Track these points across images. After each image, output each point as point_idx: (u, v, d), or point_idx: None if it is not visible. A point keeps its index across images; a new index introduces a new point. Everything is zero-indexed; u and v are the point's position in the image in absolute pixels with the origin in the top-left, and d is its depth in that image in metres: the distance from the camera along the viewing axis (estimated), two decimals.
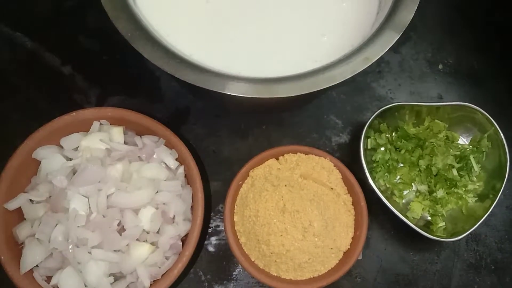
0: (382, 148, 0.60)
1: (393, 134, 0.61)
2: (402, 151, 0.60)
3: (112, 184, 0.46)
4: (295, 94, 0.42)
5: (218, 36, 0.49)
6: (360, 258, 0.51)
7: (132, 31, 0.43)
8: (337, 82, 0.42)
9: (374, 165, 0.60)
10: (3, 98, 0.62)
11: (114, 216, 0.45)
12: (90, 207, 0.45)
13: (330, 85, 0.42)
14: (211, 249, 0.57)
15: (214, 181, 0.60)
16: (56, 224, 0.45)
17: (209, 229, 0.57)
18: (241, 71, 0.43)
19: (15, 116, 0.61)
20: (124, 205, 0.46)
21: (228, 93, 0.41)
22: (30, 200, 0.48)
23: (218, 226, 0.58)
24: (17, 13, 0.68)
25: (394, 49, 0.67)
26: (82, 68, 0.65)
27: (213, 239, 0.57)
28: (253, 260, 0.50)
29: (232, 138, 0.62)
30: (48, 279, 0.47)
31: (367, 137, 0.59)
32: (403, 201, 0.59)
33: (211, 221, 0.57)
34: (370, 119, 0.57)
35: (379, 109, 0.57)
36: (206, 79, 0.41)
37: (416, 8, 0.45)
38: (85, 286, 0.45)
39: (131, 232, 0.45)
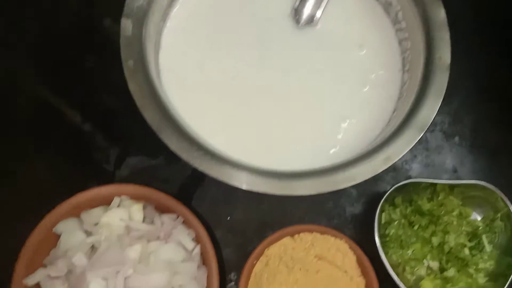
0: (396, 222, 0.60)
1: (407, 207, 0.61)
2: (416, 227, 0.60)
3: (130, 265, 0.47)
4: (314, 193, 0.42)
5: (238, 121, 0.50)
6: None
7: (158, 121, 0.44)
8: (357, 182, 0.43)
9: (387, 239, 0.60)
10: (27, 154, 0.63)
11: None
12: None
13: (349, 185, 0.43)
14: None
15: (226, 248, 0.60)
16: None
17: None
18: (260, 160, 0.44)
19: (35, 176, 0.62)
20: (142, 287, 0.46)
21: (248, 189, 0.41)
22: (49, 275, 0.49)
23: None
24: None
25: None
26: (102, 127, 0.65)
27: None
28: None
29: (247, 204, 0.62)
30: None
31: (381, 211, 0.59)
32: (414, 277, 0.59)
33: None
34: (386, 195, 0.58)
35: (393, 179, 0.58)
36: (227, 173, 0.42)
37: (438, 107, 0.46)
38: None
39: None
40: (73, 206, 0.50)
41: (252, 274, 0.53)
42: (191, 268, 0.48)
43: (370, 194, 0.64)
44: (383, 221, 0.59)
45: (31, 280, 0.48)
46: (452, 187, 0.59)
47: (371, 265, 0.53)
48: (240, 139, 0.49)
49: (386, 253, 0.54)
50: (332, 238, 0.53)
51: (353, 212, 0.63)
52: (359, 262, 0.53)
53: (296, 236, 0.54)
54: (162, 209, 0.52)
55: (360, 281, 0.53)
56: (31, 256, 0.48)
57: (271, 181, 0.42)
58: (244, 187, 0.42)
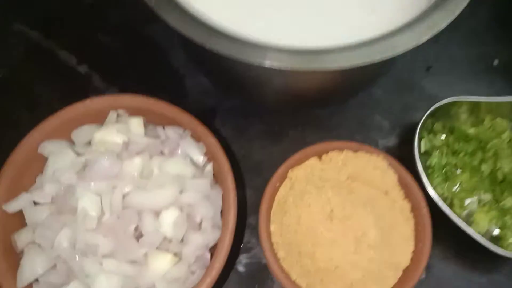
0: (438, 151, 0.52)
1: (448, 136, 0.53)
2: (461, 155, 0.51)
3: (129, 181, 0.39)
4: (347, 66, 0.35)
5: None
6: (423, 277, 0.42)
7: None
8: (398, 52, 0.35)
9: (429, 171, 0.52)
10: (15, 98, 0.57)
11: (131, 219, 0.37)
12: (102, 207, 0.38)
13: (388, 56, 0.35)
14: (241, 269, 0.49)
15: (243, 189, 0.52)
16: (62, 228, 0.37)
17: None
18: (281, 38, 0.36)
19: (26, 116, 0.55)
20: (143, 205, 0.38)
21: (269, 63, 0.34)
22: (34, 202, 0.41)
23: (249, 242, 0.50)
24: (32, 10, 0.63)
25: (444, 43, 0.60)
26: (100, 67, 0.59)
27: (243, 258, 0.49)
28: (293, 279, 0.42)
29: (264, 141, 0.55)
30: None
31: (420, 138, 0.51)
32: (464, 212, 0.50)
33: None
34: (424, 117, 0.50)
35: (430, 108, 0.50)
36: (241, 48, 0.35)
37: None
38: None
39: (150, 238, 0.38)
40: (61, 122, 0.43)
41: (275, 202, 0.44)
42: (203, 186, 0.40)
43: (404, 125, 0.56)
44: (423, 150, 0.51)
45: (12, 206, 0.40)
46: (498, 104, 0.51)
47: (417, 185, 0.44)
48: (257, 10, 0.41)
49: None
50: (368, 155, 0.45)
51: (386, 145, 0.55)
52: (402, 182, 0.45)
53: (324, 156, 0.46)
54: (166, 125, 0.44)
55: (405, 205, 0.44)
56: (13, 179, 0.41)
57: (298, 56, 0.34)
58: (267, 64, 0.34)
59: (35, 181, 0.43)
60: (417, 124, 0.49)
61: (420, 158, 0.50)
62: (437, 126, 0.52)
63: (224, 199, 0.41)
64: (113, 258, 0.37)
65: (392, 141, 0.55)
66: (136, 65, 0.59)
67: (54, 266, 0.38)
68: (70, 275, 0.38)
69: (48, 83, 0.58)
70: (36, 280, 0.38)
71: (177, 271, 0.38)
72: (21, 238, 0.39)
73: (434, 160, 0.51)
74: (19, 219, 0.41)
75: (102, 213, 0.38)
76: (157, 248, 0.38)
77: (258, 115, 0.56)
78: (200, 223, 0.40)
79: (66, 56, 0.60)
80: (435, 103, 0.52)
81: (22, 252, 0.39)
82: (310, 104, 0.53)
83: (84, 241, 0.36)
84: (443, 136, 0.53)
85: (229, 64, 0.41)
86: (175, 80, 0.58)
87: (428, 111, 0.50)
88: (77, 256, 0.36)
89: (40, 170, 0.43)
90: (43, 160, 0.43)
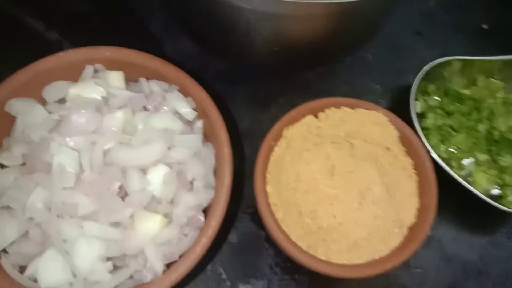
0: (433, 112, 0.50)
1: (443, 98, 0.52)
2: (456, 116, 0.50)
3: (111, 137, 0.35)
4: None
5: None
6: (430, 233, 0.40)
7: None
8: None
9: (425, 133, 0.50)
10: None
11: (114, 176, 0.33)
12: (81, 164, 0.34)
13: None
14: (233, 239, 0.45)
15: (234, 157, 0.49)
16: (35, 188, 0.33)
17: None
18: None
19: None
20: (127, 162, 0.34)
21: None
22: (1, 165, 0.36)
23: (243, 211, 0.46)
24: None
25: (433, 8, 0.59)
26: (70, 34, 0.54)
27: (236, 227, 0.46)
28: (294, 240, 0.39)
29: (253, 108, 0.52)
30: (22, 269, 0.34)
31: (414, 100, 0.49)
32: (462, 173, 0.49)
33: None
34: (418, 77, 0.49)
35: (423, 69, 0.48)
36: None
37: None
38: (73, 276, 0.33)
39: (136, 198, 0.34)
40: (31, 77, 0.38)
41: (270, 162, 0.41)
42: (193, 142, 0.37)
43: (395, 89, 0.54)
44: (418, 110, 0.50)
45: None
46: (491, 63, 0.50)
47: (420, 141, 0.42)
48: None
49: None
50: (366, 111, 0.43)
51: None
52: (404, 139, 0.42)
53: (321, 113, 0.43)
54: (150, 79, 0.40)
55: (407, 162, 0.42)
56: None
57: None
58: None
59: (1, 144, 0.38)
60: (410, 87, 0.47)
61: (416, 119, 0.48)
62: (431, 88, 0.51)
63: (218, 155, 0.37)
64: (94, 220, 0.33)
65: (384, 104, 0.53)
66: (111, 32, 0.55)
67: (25, 234, 0.33)
68: (45, 242, 0.33)
69: (15, 52, 0.53)
70: (4, 251, 0.34)
71: (168, 233, 0.34)
72: None
73: (429, 121, 0.49)
74: None
75: (81, 170, 0.33)
76: (144, 208, 0.34)
77: (245, 82, 0.53)
78: (191, 182, 0.37)
79: (33, 23, 0.55)
80: (424, 65, 0.50)
81: None
82: (299, 63, 0.50)
83: (61, 200, 0.32)
84: (437, 99, 0.52)
85: (217, 12, 0.38)
86: (154, 46, 0.54)
87: (422, 70, 0.49)
88: (53, 219, 0.32)
89: (7, 133, 0.38)
90: (10, 120, 0.38)
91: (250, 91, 0.52)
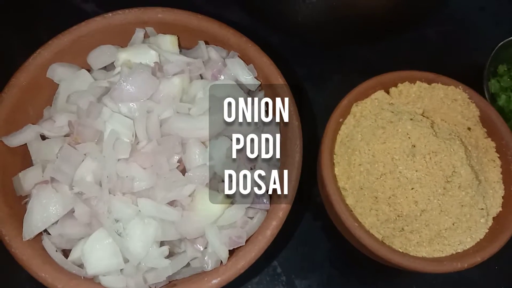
0: (505, 94, 0.46)
1: None
2: None
3: (167, 104, 0.31)
4: None
5: None
6: None
7: None
8: None
9: None
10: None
11: (174, 148, 0.29)
12: (135, 134, 0.29)
13: None
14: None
15: None
16: (84, 160, 0.29)
17: None
18: None
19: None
20: (187, 133, 0.30)
21: None
22: (41, 136, 0.32)
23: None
24: None
25: None
26: (109, 5, 0.50)
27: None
28: (367, 229, 0.34)
29: (306, 86, 0.47)
30: (66, 253, 0.30)
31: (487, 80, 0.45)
32: None
33: None
34: (491, 56, 0.44)
35: (489, 49, 0.43)
36: None
37: None
38: (125, 261, 0.29)
39: (197, 173, 0.29)
40: (75, 40, 0.34)
41: (337, 140, 0.37)
42: (256, 114, 0.32)
43: (460, 67, 0.49)
44: (493, 91, 0.45)
45: (15, 139, 0.31)
46: None
47: (503, 121, 0.37)
48: None
49: None
50: (445, 87, 0.38)
51: None
52: (485, 118, 0.37)
53: (393, 89, 0.38)
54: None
55: (489, 144, 0.37)
56: (14, 107, 0.32)
57: None
58: None
59: (42, 114, 0.34)
60: (477, 66, 0.44)
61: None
62: (501, 68, 0.46)
63: (283, 128, 0.32)
64: (150, 198, 0.28)
65: None
66: (154, 5, 0.51)
67: (71, 212, 0.29)
68: (92, 222, 0.29)
69: (49, 25, 0.49)
70: (46, 232, 0.30)
71: (232, 215, 0.30)
72: (27, 179, 0.30)
73: (502, 102, 0.45)
74: (21, 157, 0.32)
75: (137, 140, 0.29)
76: (206, 186, 0.30)
77: (297, 58, 0.48)
78: (255, 159, 0.32)
79: None
80: (492, 43, 0.46)
81: (28, 197, 0.30)
82: (356, 35, 0.46)
83: (115, 173, 0.28)
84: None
85: None
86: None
87: (495, 50, 0.44)
88: (104, 195, 0.28)
89: (49, 101, 0.34)
90: (52, 87, 0.34)
91: (304, 68, 0.48)
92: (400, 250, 0.34)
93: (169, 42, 0.34)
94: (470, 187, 0.33)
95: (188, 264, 0.30)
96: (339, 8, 0.39)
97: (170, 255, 0.30)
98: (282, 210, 0.29)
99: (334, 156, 0.36)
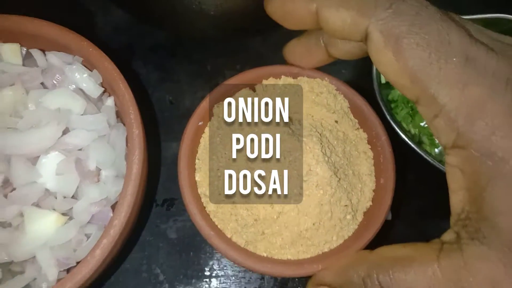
0: None
1: None
2: None
3: None
4: None
5: None
6: (389, 218, 0.34)
7: None
8: None
9: (392, 105, 0.45)
10: None
11: None
12: None
13: None
14: (172, 235, 0.40)
15: (173, 141, 0.43)
16: None
17: (167, 207, 0.40)
18: None
19: None
20: (11, 150, 0.28)
21: None
22: None
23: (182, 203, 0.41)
24: None
25: None
26: None
27: (175, 221, 0.40)
28: (229, 236, 0.33)
29: (195, 84, 0.46)
30: None
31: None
32: (436, 150, 0.43)
33: (171, 194, 0.41)
34: None
35: None
36: None
37: None
38: None
39: (23, 192, 0.28)
40: None
41: (201, 145, 0.35)
42: (96, 123, 0.31)
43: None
44: (383, 81, 0.44)
45: None
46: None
47: (373, 111, 0.35)
48: None
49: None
50: (311, 80, 0.36)
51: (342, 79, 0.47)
52: (355, 110, 0.36)
53: (258, 85, 0.36)
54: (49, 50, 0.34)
55: (359, 135, 0.36)
56: None
57: None
58: None
59: None
60: None
61: (381, 91, 0.42)
62: None
63: (128, 139, 0.31)
64: None
65: (347, 75, 0.47)
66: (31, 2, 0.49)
67: None
68: None
69: None
70: None
71: (65, 234, 0.28)
72: None
73: (397, 92, 0.44)
74: None
75: None
76: (36, 205, 0.28)
77: (186, 54, 0.47)
78: (99, 172, 0.31)
79: None
80: None
81: None
82: (244, 27, 0.44)
83: None
84: None
85: None
86: (85, 17, 0.48)
87: None
88: None
89: None
90: None
91: (193, 65, 0.46)
92: (265, 254, 0.32)
93: (9, 50, 0.32)
94: (329, 184, 0.32)
95: (28, 286, 0.29)
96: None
97: (8, 276, 0.29)
98: (114, 227, 0.28)
99: (197, 161, 0.35)
